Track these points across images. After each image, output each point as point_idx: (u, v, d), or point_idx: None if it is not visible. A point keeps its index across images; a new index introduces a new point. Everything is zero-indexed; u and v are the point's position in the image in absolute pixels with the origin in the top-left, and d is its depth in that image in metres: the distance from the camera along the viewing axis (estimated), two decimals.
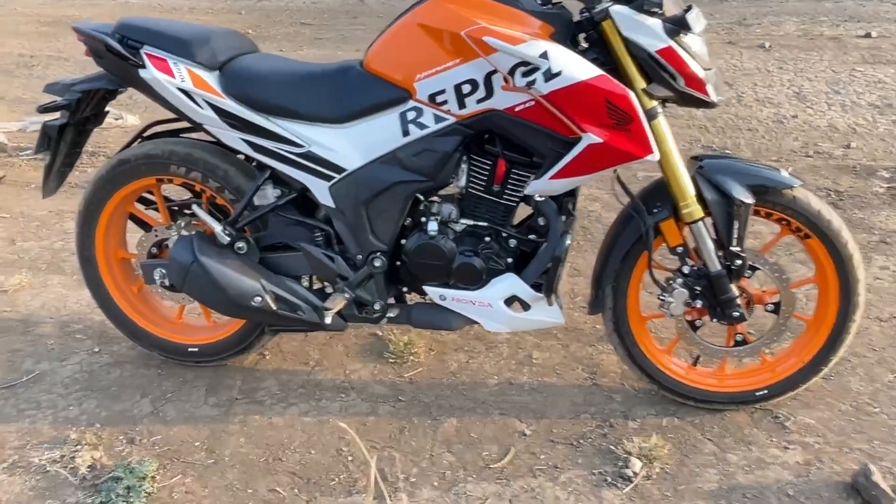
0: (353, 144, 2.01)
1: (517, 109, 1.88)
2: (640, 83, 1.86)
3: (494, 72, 1.84)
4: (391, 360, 2.52)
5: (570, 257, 3.15)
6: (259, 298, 2.10)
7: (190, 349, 2.45)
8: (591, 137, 1.81)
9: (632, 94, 1.79)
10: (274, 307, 2.12)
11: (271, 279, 2.14)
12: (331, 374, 2.47)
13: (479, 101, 1.89)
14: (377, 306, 2.17)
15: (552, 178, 1.90)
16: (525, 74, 1.80)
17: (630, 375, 2.35)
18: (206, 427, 2.26)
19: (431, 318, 2.17)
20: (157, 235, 2.33)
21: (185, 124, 2.22)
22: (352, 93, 2.00)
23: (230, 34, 2.17)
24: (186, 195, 2.37)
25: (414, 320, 2.20)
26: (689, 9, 1.84)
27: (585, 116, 1.81)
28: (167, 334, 2.47)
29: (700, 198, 1.96)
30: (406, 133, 1.97)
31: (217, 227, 2.12)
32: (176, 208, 2.40)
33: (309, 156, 2.04)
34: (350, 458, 2.12)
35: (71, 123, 2.27)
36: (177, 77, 2.03)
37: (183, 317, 2.51)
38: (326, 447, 2.16)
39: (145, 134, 2.37)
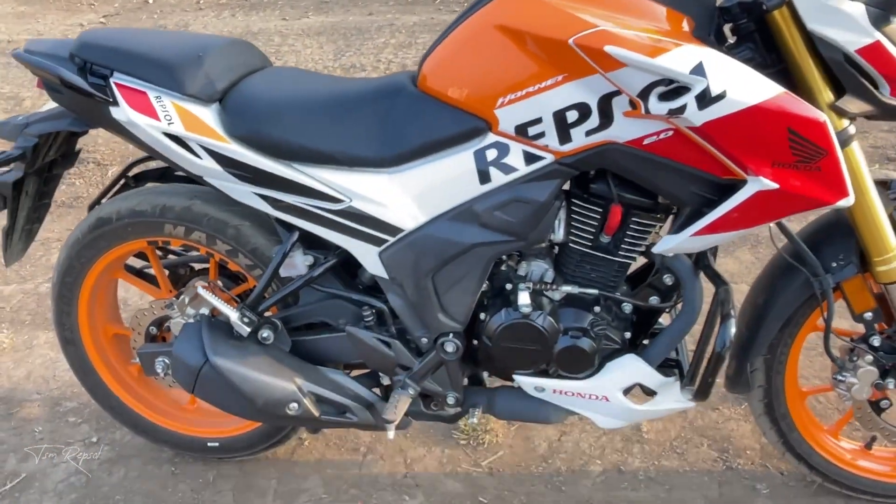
0: (410, 196, 1.47)
1: (646, 143, 1.32)
2: (828, 96, 1.30)
3: (616, 93, 1.28)
4: (462, 442, 2.01)
5: None
6: (296, 405, 1.59)
7: (209, 444, 1.95)
8: (763, 182, 1.26)
9: (826, 119, 1.22)
10: (316, 413, 1.61)
11: (310, 375, 1.62)
12: (388, 466, 1.97)
13: (589, 133, 1.34)
14: (451, 400, 1.65)
15: (697, 234, 1.35)
16: (665, 97, 1.24)
17: (773, 453, 1.84)
18: None
19: (524, 410, 1.66)
20: (154, 312, 1.81)
21: None
22: (404, 124, 1.44)
23: (231, 47, 1.60)
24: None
25: (499, 412, 1.69)
26: None
27: (756, 154, 1.25)
28: (179, 426, 1.97)
29: None
30: (485, 178, 1.42)
31: (233, 316, 1.59)
32: (181, 271, 1.89)
33: (351, 213, 1.49)
34: None
35: (30, 173, 1.73)
36: (161, 118, 1.47)
37: (198, 402, 2.00)
38: None
39: (130, 174, 1.83)
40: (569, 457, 1.94)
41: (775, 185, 1.26)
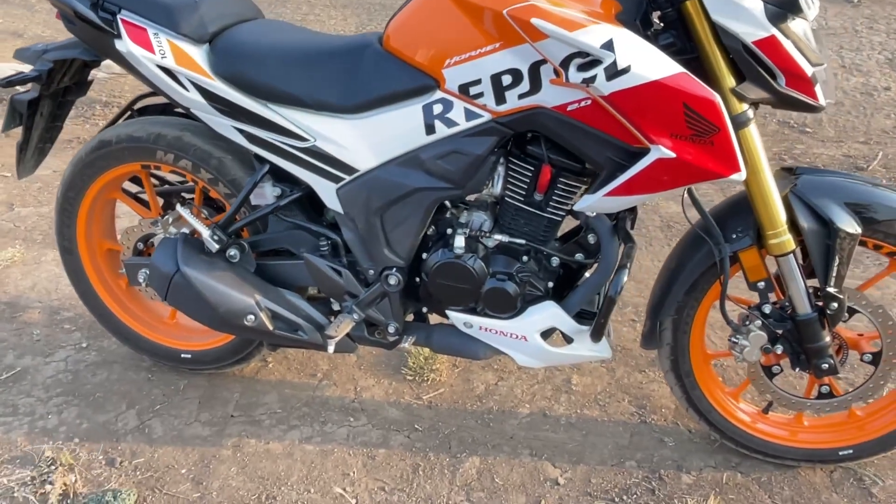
0: (366, 140, 1.66)
1: (570, 109, 1.50)
2: (730, 81, 1.47)
3: (543, 62, 1.47)
4: (409, 378, 2.21)
5: None
6: (252, 317, 1.80)
7: (183, 355, 2.18)
8: (662, 151, 1.44)
9: (718, 99, 1.40)
10: (270, 326, 1.82)
11: (268, 293, 1.83)
12: (339, 391, 2.18)
13: (521, 97, 1.52)
14: (391, 329, 1.85)
15: (608, 194, 1.54)
16: (582, 68, 1.42)
17: (686, 414, 2.01)
18: (196, 450, 2.00)
19: (455, 345, 1.85)
20: (143, 229, 2.03)
21: None
22: (366, 77, 1.64)
23: None
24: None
25: (435, 345, 1.88)
26: None
27: (656, 124, 1.43)
28: (158, 337, 2.20)
29: (792, 224, 1.58)
30: (431, 130, 1.61)
31: (205, 233, 1.80)
32: (173, 200, 2.10)
33: (314, 152, 1.70)
34: (353, 503, 1.84)
35: (46, 95, 1.95)
36: (157, 52, 1.69)
37: (177, 317, 2.23)
38: (327, 486, 1.88)
39: (136, 107, 2.05)
40: (502, 399, 2.13)
41: (672, 154, 1.44)
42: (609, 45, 1.38)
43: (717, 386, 1.88)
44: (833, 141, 3.49)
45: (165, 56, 1.68)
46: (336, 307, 1.89)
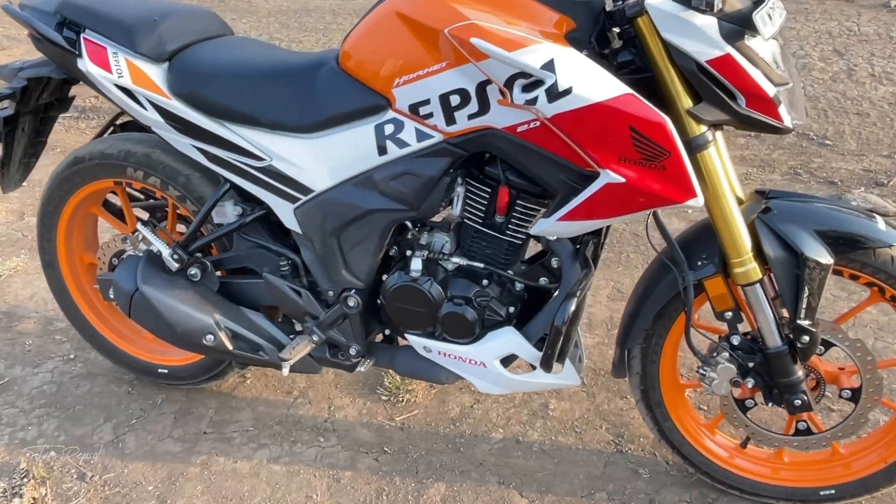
0: (321, 160, 1.63)
1: (519, 130, 1.44)
2: (686, 102, 1.39)
3: (490, 82, 1.41)
4: (384, 398, 2.17)
5: (614, 275, 2.70)
6: (211, 336, 1.78)
7: (160, 370, 2.18)
8: (610, 176, 1.37)
9: (668, 122, 1.32)
10: (230, 346, 1.80)
11: (229, 313, 1.81)
12: (314, 410, 2.15)
13: (471, 117, 1.47)
14: (352, 351, 1.81)
15: (563, 218, 1.47)
16: (526, 89, 1.36)
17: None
18: (165, 467, 1.99)
19: (418, 368, 1.80)
20: (117, 245, 2.03)
21: None
22: (320, 96, 1.61)
23: (190, 15, 1.80)
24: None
25: (398, 367, 1.84)
26: (759, 0, 1.34)
27: (603, 148, 1.36)
28: (137, 351, 2.20)
29: (760, 251, 1.49)
30: (383, 151, 1.57)
31: (165, 251, 1.79)
32: (158, 214, 2.11)
33: (271, 171, 1.67)
34: None
35: (25, 112, 1.98)
36: (114, 71, 1.69)
37: None
38: None
39: (118, 122, 2.06)
40: (475, 423, 2.07)
41: (621, 179, 1.37)
42: (550, 66, 1.32)
43: (691, 417, 1.79)
44: (854, 154, 3.33)
45: (122, 75, 1.68)
46: (299, 328, 1.87)
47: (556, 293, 1.67)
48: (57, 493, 1.93)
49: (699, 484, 1.84)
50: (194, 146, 1.72)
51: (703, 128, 1.41)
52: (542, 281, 1.68)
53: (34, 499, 1.90)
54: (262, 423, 2.11)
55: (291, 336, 1.86)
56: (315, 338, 1.78)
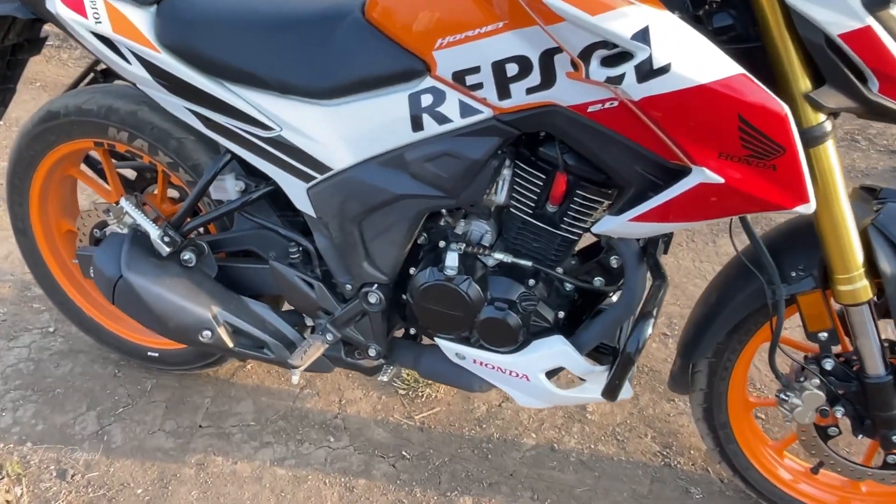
0: (341, 133, 1.36)
1: (590, 110, 1.18)
2: (804, 84, 1.12)
3: (559, 50, 1.13)
4: (401, 392, 1.95)
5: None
6: (209, 332, 1.54)
7: (150, 353, 1.94)
8: (706, 174, 1.11)
9: (787, 112, 1.06)
10: (230, 343, 1.57)
11: (229, 305, 1.57)
12: (322, 403, 1.93)
13: (530, 91, 1.20)
14: (372, 351, 1.58)
15: (636, 219, 1.22)
16: (607, 62, 1.08)
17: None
18: (156, 466, 1.78)
19: (447, 373, 1.58)
20: (98, 215, 1.77)
21: None
22: (341, 54, 1.33)
23: None
24: None
25: (423, 370, 1.61)
26: None
27: (700, 141, 1.09)
28: (123, 331, 1.96)
29: (870, 264, 1.24)
30: (418, 126, 1.30)
31: (154, 233, 1.53)
32: (147, 174, 1.84)
33: (280, 143, 1.40)
34: None
35: None
36: (90, 15, 1.39)
37: None
38: None
39: (98, 68, 1.77)
40: (504, 425, 1.86)
41: (719, 179, 1.11)
42: (643, 35, 1.04)
43: (758, 439, 1.57)
44: None
45: (100, 21, 1.39)
46: (310, 322, 1.63)
47: (615, 297, 1.43)
48: (34, 493, 1.73)
49: None
50: (188, 109, 1.45)
51: (822, 116, 1.14)
52: (597, 282, 1.43)
53: (7, 501, 1.69)
54: (265, 416, 1.90)
55: (296, 327, 1.62)
56: (329, 337, 1.55)
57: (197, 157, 1.60)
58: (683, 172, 1.17)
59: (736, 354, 1.45)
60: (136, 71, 1.42)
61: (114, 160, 1.80)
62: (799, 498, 1.57)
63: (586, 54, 1.09)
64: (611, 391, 1.36)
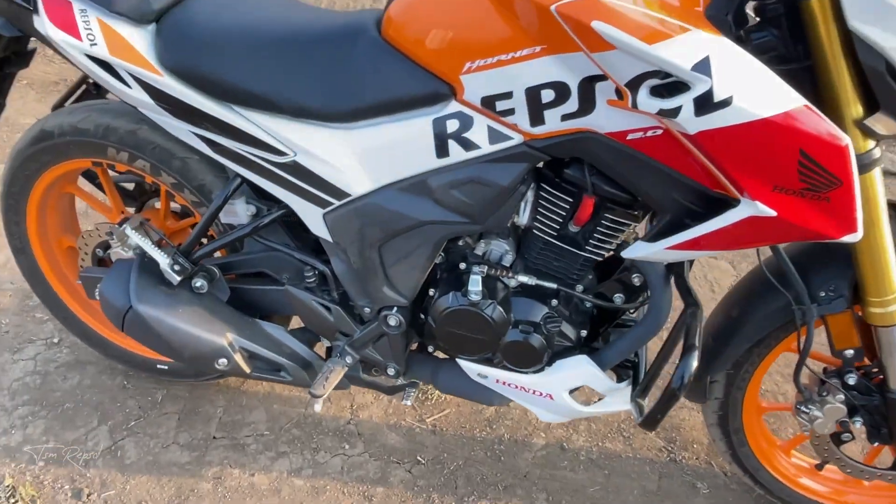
0: (360, 158, 1.16)
1: (631, 138, 1.00)
2: (857, 111, 0.95)
3: (601, 77, 0.95)
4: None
5: None
6: (225, 360, 1.35)
7: (159, 366, 1.74)
8: (759, 208, 0.95)
9: (849, 144, 0.89)
10: (247, 369, 1.38)
11: (244, 330, 1.37)
12: (333, 409, 1.75)
13: (566, 118, 1.01)
14: (391, 371, 1.41)
15: (673, 247, 1.05)
16: (658, 93, 0.91)
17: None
18: (172, 481, 1.59)
19: (465, 389, 1.41)
20: (100, 234, 1.54)
21: None
22: (360, 75, 1.12)
23: None
24: None
25: (441, 385, 1.45)
26: None
27: (755, 175, 0.93)
28: (131, 344, 1.74)
29: None
30: (444, 152, 1.11)
31: (163, 262, 1.32)
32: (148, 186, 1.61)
33: (294, 168, 1.20)
34: None
35: None
36: (83, 37, 1.15)
37: None
38: None
39: (91, 80, 1.52)
40: (514, 425, 1.71)
41: (771, 213, 0.95)
42: (704, 66, 0.86)
43: (768, 441, 1.45)
44: None
45: (96, 43, 1.15)
46: (326, 342, 1.44)
47: (638, 314, 1.27)
48: None
49: (764, 501, 1.53)
50: (194, 133, 1.23)
51: (871, 143, 0.98)
52: (617, 299, 1.27)
53: None
54: (278, 425, 1.72)
55: (311, 346, 1.43)
56: (348, 359, 1.37)
57: (203, 177, 1.38)
58: (724, 201, 1.01)
59: (755, 367, 1.31)
60: (136, 95, 1.19)
61: (112, 172, 1.57)
62: (806, 494, 1.45)
63: (635, 83, 0.91)
64: (651, 423, 1.22)
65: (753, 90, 0.87)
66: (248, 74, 1.15)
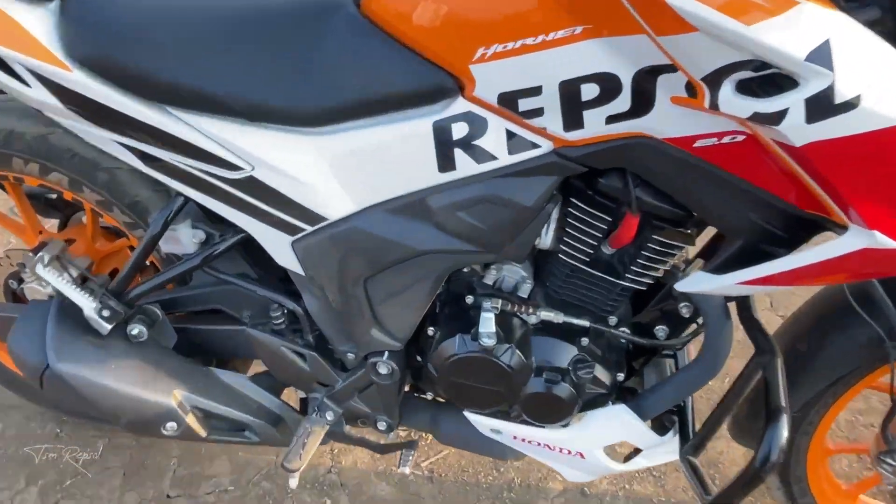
0: (335, 171, 0.92)
1: (699, 145, 0.78)
2: None
3: (668, 67, 0.73)
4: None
5: None
6: (174, 424, 1.12)
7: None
8: (878, 239, 0.74)
9: None
10: (203, 432, 1.15)
11: (196, 384, 1.14)
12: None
13: (612, 119, 0.79)
14: (382, 425, 1.20)
15: (748, 282, 0.85)
16: (750, 90, 0.69)
17: (764, 491, 1.42)
18: None
19: (472, 441, 1.21)
20: (11, 264, 1.29)
21: None
22: (333, 63, 0.88)
23: None
24: None
25: (443, 435, 1.24)
26: None
27: (881, 199, 0.72)
28: None
29: None
30: (447, 164, 0.88)
31: (88, 307, 1.07)
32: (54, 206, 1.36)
33: (251, 186, 0.96)
34: None
35: None
36: None
37: None
38: None
39: None
40: (525, 467, 1.51)
41: (891, 245, 0.74)
42: (823, 54, 0.64)
43: (834, 488, 1.27)
44: None
45: None
46: (301, 393, 1.22)
47: (695, 359, 1.07)
48: None
49: None
50: (121, 143, 0.98)
51: None
52: (660, 332, 1.07)
53: None
54: (245, 478, 1.50)
55: (273, 392, 1.21)
56: (329, 415, 1.15)
57: (136, 192, 1.13)
58: (814, 222, 0.80)
59: (826, 408, 1.13)
60: (39, 97, 0.93)
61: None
62: None
63: (716, 77, 0.69)
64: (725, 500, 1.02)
65: (888, 87, 0.65)
66: (187, 66, 0.90)
